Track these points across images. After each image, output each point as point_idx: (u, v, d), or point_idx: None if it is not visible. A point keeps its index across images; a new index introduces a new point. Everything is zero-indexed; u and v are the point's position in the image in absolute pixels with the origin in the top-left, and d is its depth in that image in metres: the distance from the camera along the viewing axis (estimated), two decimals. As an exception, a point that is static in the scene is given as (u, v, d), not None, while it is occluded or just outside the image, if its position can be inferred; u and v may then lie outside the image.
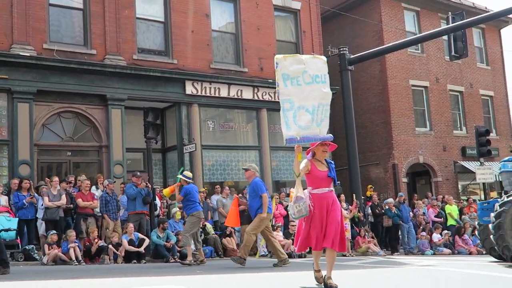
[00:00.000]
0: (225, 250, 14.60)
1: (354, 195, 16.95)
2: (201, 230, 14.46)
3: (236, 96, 17.71)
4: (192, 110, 16.97)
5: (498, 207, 9.95)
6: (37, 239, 12.84)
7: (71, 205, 13.06)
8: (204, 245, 14.15)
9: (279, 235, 15.23)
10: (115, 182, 14.21)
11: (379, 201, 18.28)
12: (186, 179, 11.36)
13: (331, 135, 6.58)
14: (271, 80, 18.32)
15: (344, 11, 23.01)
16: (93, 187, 13.78)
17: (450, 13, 16.30)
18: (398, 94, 22.74)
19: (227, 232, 14.97)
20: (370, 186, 20.12)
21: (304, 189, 6.30)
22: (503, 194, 10.97)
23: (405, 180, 22.46)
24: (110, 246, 12.53)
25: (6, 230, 11.85)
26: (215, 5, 18.08)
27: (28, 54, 14.15)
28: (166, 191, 12.36)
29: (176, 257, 12.92)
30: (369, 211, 17.71)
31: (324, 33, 21.01)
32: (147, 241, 12.92)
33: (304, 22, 19.93)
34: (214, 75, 17.26)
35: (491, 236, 10.29)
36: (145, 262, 12.55)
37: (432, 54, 24.18)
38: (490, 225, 10.17)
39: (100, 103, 15.46)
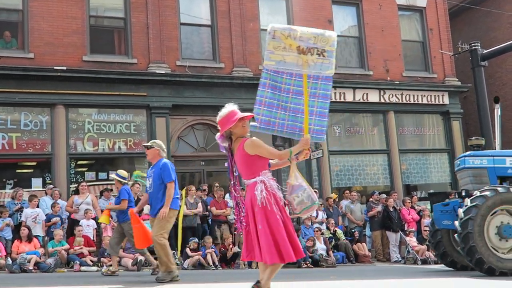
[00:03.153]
0: (357, 255, 14.46)
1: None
2: (331, 235, 14.49)
3: (362, 100, 17.52)
4: (318, 116, 17.03)
5: (462, 214, 8.45)
6: (177, 245, 13.63)
7: (207, 213, 13.73)
8: (335, 251, 14.15)
9: (412, 240, 14.81)
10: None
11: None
12: (121, 179, 10.00)
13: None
14: (397, 82, 17.93)
15: (474, 5, 21.81)
16: (227, 195, 14.35)
17: None
18: (539, 88, 21.07)
19: (356, 237, 14.86)
20: None
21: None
22: (463, 194, 9.19)
23: (551, 181, 20.68)
24: (244, 251, 12.95)
25: (150, 237, 12.72)
26: (337, 10, 18.06)
27: (164, 72, 15.15)
28: (104, 219, 10.05)
29: (308, 262, 13.04)
30: None
31: (453, 29, 20.09)
32: (279, 247, 13.17)
33: (431, 20, 19.21)
34: (339, 80, 17.20)
35: (459, 248, 8.76)
36: (278, 268, 12.79)
37: None
38: (456, 236, 8.58)
39: (230, 114, 16.06)
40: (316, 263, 13.16)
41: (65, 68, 14.12)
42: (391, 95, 17.85)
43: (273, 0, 17.27)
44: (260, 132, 5.27)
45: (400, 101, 17.92)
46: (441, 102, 18.57)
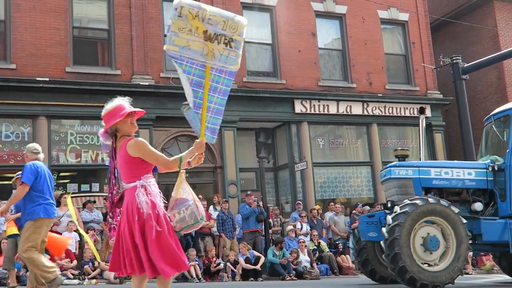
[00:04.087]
0: (341, 268, 14.46)
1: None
2: (315, 247, 14.48)
3: (345, 112, 17.62)
4: (301, 128, 17.13)
5: (391, 220, 8.12)
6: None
7: (190, 225, 13.65)
8: (319, 263, 14.14)
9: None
10: (227, 201, 14.60)
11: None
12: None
13: None
14: (380, 94, 18.08)
15: (455, 19, 22.14)
16: (210, 207, 14.30)
17: None
18: (519, 102, 21.38)
19: (340, 249, 14.88)
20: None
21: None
22: (389, 205, 9.04)
23: (531, 193, 20.89)
24: (228, 264, 12.90)
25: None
26: (321, 23, 18.21)
27: (147, 83, 15.11)
28: (13, 230, 8.77)
29: (292, 275, 13.00)
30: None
31: (435, 43, 20.37)
32: (262, 259, 13.15)
33: (413, 33, 19.46)
34: (323, 92, 17.33)
35: (383, 256, 8.27)
36: (261, 280, 12.77)
37: (556, 56, 22.48)
38: (382, 243, 8.19)
39: (214, 126, 16.04)
40: (300, 275, 13.14)
41: (47, 79, 14.01)
42: (374, 108, 17.99)
43: (257, 13, 17.36)
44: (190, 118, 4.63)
45: (383, 114, 18.08)
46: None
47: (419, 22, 19.61)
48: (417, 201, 8.17)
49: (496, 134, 9.65)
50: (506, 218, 8.78)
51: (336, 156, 18.02)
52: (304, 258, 13.75)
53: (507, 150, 8.98)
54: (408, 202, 8.22)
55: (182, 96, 15.95)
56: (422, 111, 10.42)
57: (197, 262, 12.44)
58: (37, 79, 13.91)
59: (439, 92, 19.41)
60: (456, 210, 8.30)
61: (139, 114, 4.55)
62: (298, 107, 16.97)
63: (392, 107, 18.29)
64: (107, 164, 14.77)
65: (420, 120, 10.28)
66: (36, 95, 13.94)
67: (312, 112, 17.16)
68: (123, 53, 15.23)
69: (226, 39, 4.52)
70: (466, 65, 17.06)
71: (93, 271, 11.90)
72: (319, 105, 17.24)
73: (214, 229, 13.81)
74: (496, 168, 9.01)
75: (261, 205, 14.12)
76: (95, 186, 14.63)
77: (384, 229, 8.20)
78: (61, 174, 14.49)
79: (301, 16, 17.73)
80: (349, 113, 17.67)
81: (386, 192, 9.80)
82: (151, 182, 4.37)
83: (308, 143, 17.13)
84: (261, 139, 15.17)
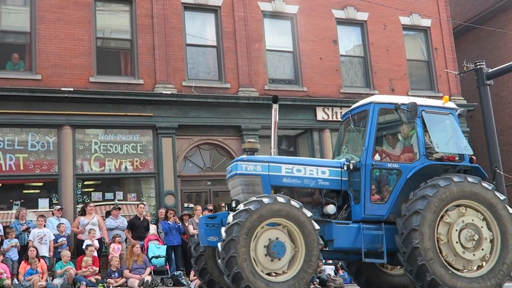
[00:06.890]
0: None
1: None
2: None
3: (367, 119, 17.51)
4: (324, 136, 17.07)
5: (224, 234, 7.04)
6: (184, 265, 13.57)
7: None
8: (344, 271, 14.00)
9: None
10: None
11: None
12: None
13: None
14: (403, 101, 17.93)
15: (478, 24, 21.91)
16: (233, 215, 14.30)
17: None
18: (545, 107, 21.03)
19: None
20: (519, 207, 18.61)
21: None
22: (234, 204, 7.84)
23: (559, 199, 20.49)
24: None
25: (156, 257, 12.70)
26: (342, 30, 18.16)
27: (170, 92, 15.22)
28: None
29: (315, 283, 12.90)
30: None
31: (458, 49, 20.15)
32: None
33: (435, 39, 19.28)
34: (345, 99, 17.24)
35: (219, 261, 7.19)
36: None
37: None
38: (220, 261, 7.12)
39: (236, 134, 16.12)
40: (323, 283, 13.04)
41: (72, 89, 14.21)
42: (397, 114, 17.83)
43: (278, 21, 17.40)
44: None
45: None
46: (447, 121, 18.53)
47: (441, 28, 19.43)
48: (251, 206, 7.16)
49: (353, 131, 8.97)
50: (360, 223, 8.02)
51: (358, 163, 17.87)
52: (328, 266, 13.65)
53: (363, 148, 8.21)
54: (242, 208, 7.24)
55: (204, 104, 16.02)
56: (275, 100, 8.82)
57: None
58: (62, 89, 14.12)
59: (463, 98, 19.18)
60: (309, 214, 7.41)
61: None
62: (320, 114, 16.93)
63: (415, 114, 18.09)
64: (129, 172, 14.92)
65: (273, 110, 8.86)
66: (60, 105, 14.15)
67: (334, 119, 17.06)
68: (146, 62, 15.38)
69: None
70: (490, 70, 16.84)
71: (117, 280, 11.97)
72: (341, 112, 17.09)
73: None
74: (351, 167, 8.19)
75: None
76: (119, 195, 14.76)
77: (219, 245, 7.14)
78: (86, 182, 14.65)
79: (322, 23, 17.70)
80: (372, 120, 17.54)
81: (232, 190, 8.58)
82: None
83: (331, 150, 17.04)
84: (283, 146, 15.18)
